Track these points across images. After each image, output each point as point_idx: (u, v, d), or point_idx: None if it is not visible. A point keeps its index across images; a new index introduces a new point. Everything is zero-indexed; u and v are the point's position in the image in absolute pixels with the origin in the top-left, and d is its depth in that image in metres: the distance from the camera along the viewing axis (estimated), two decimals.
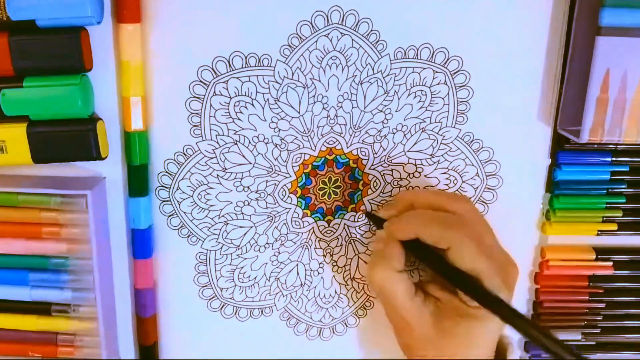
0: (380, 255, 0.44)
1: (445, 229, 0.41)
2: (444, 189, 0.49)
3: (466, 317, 0.42)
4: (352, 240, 0.50)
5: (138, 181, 0.46)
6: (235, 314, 0.51)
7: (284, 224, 0.49)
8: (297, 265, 0.50)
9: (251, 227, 0.49)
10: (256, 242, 0.49)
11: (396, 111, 0.47)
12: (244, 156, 0.47)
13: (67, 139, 0.44)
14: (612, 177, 0.49)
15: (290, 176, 0.48)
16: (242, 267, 0.50)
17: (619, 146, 0.48)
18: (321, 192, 0.49)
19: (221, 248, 0.49)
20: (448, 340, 0.42)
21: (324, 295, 0.52)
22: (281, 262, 0.50)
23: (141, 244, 0.48)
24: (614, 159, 0.48)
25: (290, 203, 0.49)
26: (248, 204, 0.48)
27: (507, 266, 0.44)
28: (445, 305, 0.43)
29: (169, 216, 0.48)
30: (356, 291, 0.52)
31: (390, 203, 0.48)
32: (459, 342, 0.42)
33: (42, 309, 0.48)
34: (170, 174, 0.47)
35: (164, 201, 0.48)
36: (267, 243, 0.49)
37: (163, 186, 0.48)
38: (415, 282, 0.45)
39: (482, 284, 0.40)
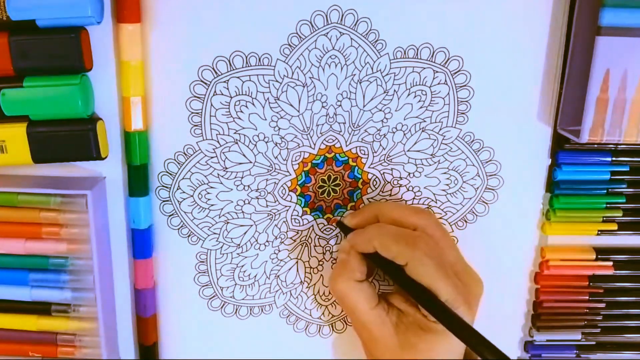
0: (342, 265, 0.45)
1: (402, 245, 0.42)
2: (445, 189, 0.49)
3: (428, 330, 0.43)
4: None
5: (138, 181, 0.46)
6: (236, 312, 0.51)
7: (284, 221, 0.49)
8: (296, 262, 0.50)
9: (251, 225, 0.49)
10: (256, 241, 0.49)
11: (396, 110, 0.47)
12: (244, 155, 0.47)
13: (67, 139, 0.44)
14: (612, 177, 0.49)
15: (290, 174, 0.48)
16: (242, 266, 0.50)
17: (619, 146, 0.48)
18: (320, 190, 0.49)
19: (221, 247, 0.49)
20: (409, 353, 0.43)
21: (324, 293, 0.52)
22: (281, 260, 0.50)
23: (141, 244, 0.48)
24: (614, 159, 0.48)
25: (290, 201, 0.49)
26: (248, 203, 0.48)
27: (470, 283, 0.44)
28: (408, 317, 0.44)
29: (169, 216, 0.48)
30: None
31: (355, 212, 0.48)
32: (421, 354, 0.43)
33: (42, 309, 0.48)
34: (170, 174, 0.47)
35: (164, 201, 0.48)
36: (267, 241, 0.49)
37: (163, 186, 0.48)
38: (380, 294, 0.46)
39: (437, 298, 0.41)
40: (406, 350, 0.43)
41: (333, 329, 0.53)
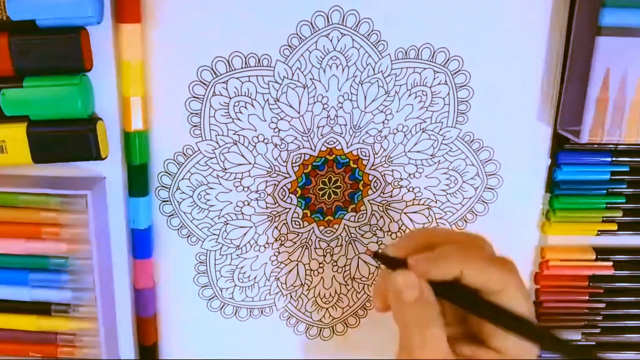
0: (422, 308, 0.34)
1: (498, 268, 0.35)
2: (445, 189, 0.49)
3: None
4: (352, 241, 0.50)
5: (138, 181, 0.46)
6: (235, 314, 0.51)
7: (284, 223, 0.49)
8: (297, 265, 0.50)
9: (251, 227, 0.49)
10: (256, 242, 0.49)
11: (397, 111, 0.47)
12: (243, 156, 0.47)
13: (67, 139, 0.44)
14: (612, 177, 0.49)
15: (290, 176, 0.48)
16: (242, 267, 0.50)
17: (619, 146, 0.48)
18: (321, 192, 0.49)
19: (221, 248, 0.49)
20: None
21: (324, 295, 0.52)
22: (281, 262, 0.50)
23: (141, 244, 0.48)
24: (614, 159, 0.48)
25: (290, 203, 0.49)
26: (248, 204, 0.48)
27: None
28: None
29: (169, 216, 0.48)
30: (356, 291, 0.52)
31: (400, 240, 0.38)
32: None
33: (42, 309, 0.48)
34: (170, 174, 0.47)
35: (164, 201, 0.48)
36: (267, 243, 0.49)
37: (163, 186, 0.48)
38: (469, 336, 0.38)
39: (544, 327, 0.37)
40: None
41: (334, 332, 0.53)
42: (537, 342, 0.34)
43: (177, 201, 0.48)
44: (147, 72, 0.45)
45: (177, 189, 0.48)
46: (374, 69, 0.45)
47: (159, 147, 0.47)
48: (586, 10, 0.44)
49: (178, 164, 0.47)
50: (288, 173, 0.48)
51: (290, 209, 0.49)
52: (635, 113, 0.44)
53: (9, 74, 0.43)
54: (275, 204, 0.48)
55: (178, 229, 0.49)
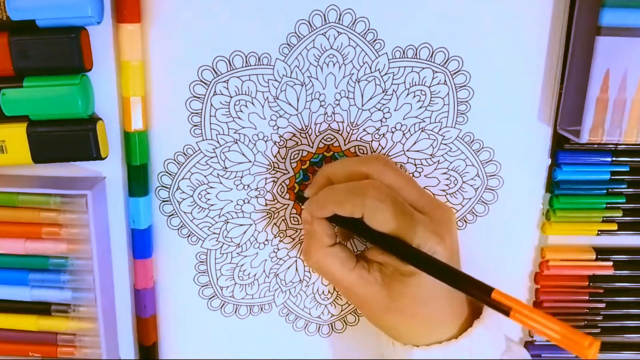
0: (308, 236, 0.44)
1: (352, 198, 0.41)
2: (444, 189, 0.49)
3: (409, 274, 0.41)
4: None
5: (138, 181, 0.47)
6: (235, 312, 0.51)
7: (283, 220, 0.49)
8: (295, 261, 0.50)
9: (251, 224, 0.49)
10: (256, 240, 0.49)
11: (395, 110, 0.47)
12: (244, 155, 0.47)
13: (67, 139, 0.44)
14: (612, 177, 0.49)
15: (289, 172, 0.48)
16: (242, 265, 0.50)
17: (619, 146, 0.48)
18: None
19: (221, 247, 0.49)
20: (402, 302, 0.42)
21: (323, 292, 0.52)
22: (280, 259, 0.50)
23: (141, 244, 0.48)
24: (614, 159, 0.48)
25: (289, 199, 0.49)
26: (248, 202, 0.48)
27: (436, 214, 0.43)
28: (389, 267, 0.43)
29: (169, 216, 0.48)
30: None
31: (312, 182, 0.46)
32: (412, 300, 0.42)
33: (42, 309, 0.48)
34: (170, 174, 0.47)
35: (164, 201, 0.48)
36: (266, 240, 0.49)
37: (163, 186, 0.48)
38: (357, 253, 0.46)
39: (401, 241, 0.40)
40: (397, 300, 0.42)
41: (332, 328, 0.53)
42: (395, 255, 0.41)
43: (178, 201, 0.48)
44: (147, 72, 0.45)
45: (177, 189, 0.48)
46: (370, 68, 0.45)
47: (159, 147, 0.47)
48: (586, 10, 0.44)
49: (178, 163, 0.47)
50: (286, 169, 0.48)
51: (288, 204, 0.49)
52: (635, 113, 0.44)
53: (9, 74, 0.43)
54: (274, 200, 0.48)
55: (178, 229, 0.49)
